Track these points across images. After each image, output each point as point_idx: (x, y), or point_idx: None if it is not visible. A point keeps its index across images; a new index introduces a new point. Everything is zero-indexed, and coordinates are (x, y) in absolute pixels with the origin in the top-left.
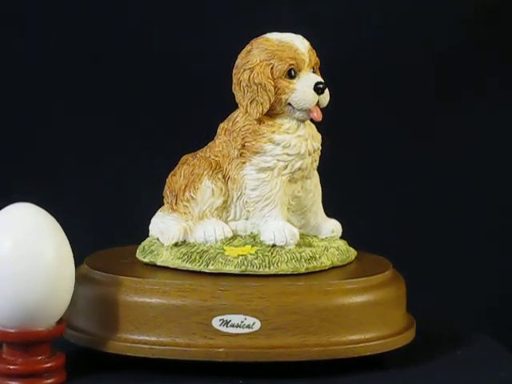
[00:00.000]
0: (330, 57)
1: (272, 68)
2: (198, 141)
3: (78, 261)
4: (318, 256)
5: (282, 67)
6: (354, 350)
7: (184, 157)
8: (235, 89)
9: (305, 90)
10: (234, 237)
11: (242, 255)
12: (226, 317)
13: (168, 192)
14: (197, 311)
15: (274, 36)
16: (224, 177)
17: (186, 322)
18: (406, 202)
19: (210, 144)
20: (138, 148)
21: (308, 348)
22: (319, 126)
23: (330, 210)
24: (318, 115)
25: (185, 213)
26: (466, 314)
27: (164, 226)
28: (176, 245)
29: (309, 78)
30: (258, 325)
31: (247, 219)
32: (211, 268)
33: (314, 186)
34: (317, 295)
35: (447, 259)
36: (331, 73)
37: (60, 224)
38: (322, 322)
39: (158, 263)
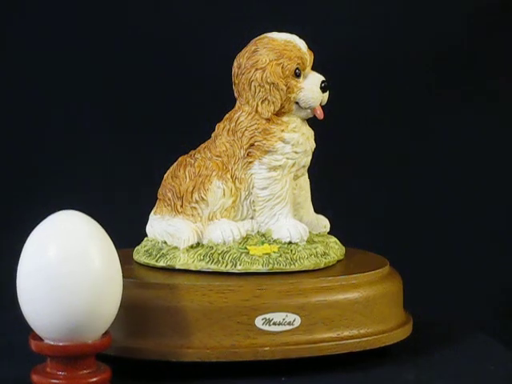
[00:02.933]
0: (329, 57)
1: (282, 67)
2: (193, 141)
3: None
4: (327, 251)
5: (291, 66)
6: (380, 340)
7: (180, 158)
8: (243, 88)
9: (312, 88)
10: (246, 236)
11: (266, 254)
12: (268, 315)
13: (170, 195)
14: (239, 311)
15: (277, 36)
16: (231, 177)
17: (228, 324)
18: (405, 202)
19: (207, 145)
20: (130, 149)
21: (343, 341)
22: (321, 124)
23: (329, 209)
24: (321, 113)
25: (192, 215)
26: (466, 314)
27: (173, 229)
28: (191, 247)
29: (314, 77)
30: (298, 321)
31: (252, 218)
32: (239, 268)
33: (305, 183)
34: (347, 288)
35: (447, 259)
36: (330, 72)
37: None
38: (353, 315)
39: (178, 266)
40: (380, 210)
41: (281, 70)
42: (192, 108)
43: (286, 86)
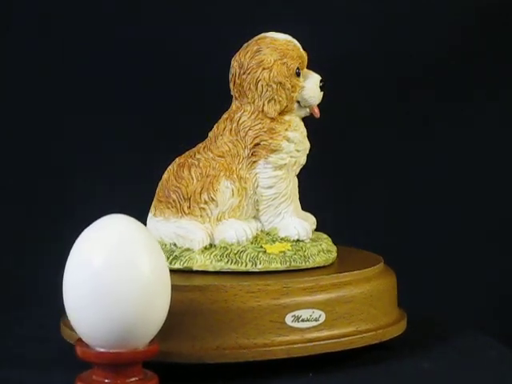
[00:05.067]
0: (327, 56)
1: (286, 67)
2: (187, 141)
3: None
4: (329, 248)
5: (294, 66)
6: (390, 332)
7: (181, 159)
8: (248, 88)
9: (313, 87)
10: (256, 236)
11: (282, 252)
12: (297, 312)
13: (174, 196)
14: (271, 310)
15: (277, 35)
16: (237, 176)
17: (262, 323)
18: (405, 202)
19: (206, 145)
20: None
21: (362, 334)
22: (317, 123)
23: (328, 209)
24: (318, 112)
25: (201, 215)
26: (466, 314)
27: (184, 231)
28: (205, 248)
29: (313, 76)
30: (323, 317)
31: (254, 217)
32: (260, 267)
33: (295, 181)
34: (362, 283)
35: (447, 259)
36: (329, 72)
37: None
38: (369, 308)
39: (195, 268)
40: (379, 210)
41: (286, 70)
42: (187, 109)
43: (290, 85)
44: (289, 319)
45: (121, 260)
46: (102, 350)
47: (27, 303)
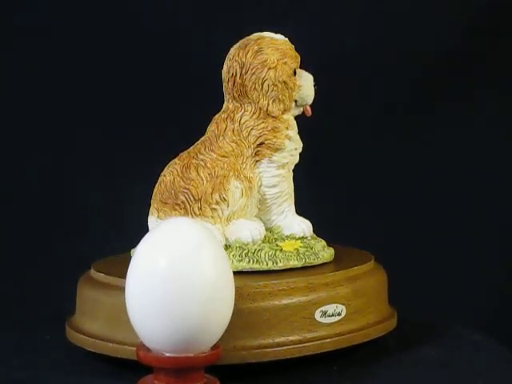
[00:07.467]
0: (326, 56)
1: (288, 66)
2: (187, 142)
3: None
4: (327, 244)
5: (293, 65)
6: (392, 324)
7: (181, 161)
8: (253, 88)
9: (310, 86)
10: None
11: (295, 249)
12: (324, 308)
13: (183, 198)
14: (303, 307)
15: (275, 36)
16: (243, 176)
17: (295, 319)
18: (404, 203)
19: (205, 145)
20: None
21: (374, 327)
22: (318, 123)
23: (327, 211)
24: (310, 110)
25: (212, 216)
26: (466, 314)
27: None
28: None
29: (308, 76)
30: (344, 311)
31: (255, 216)
32: (280, 265)
33: None
34: (369, 278)
35: (447, 259)
36: (328, 72)
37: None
38: (376, 302)
39: None
40: (380, 210)
41: (288, 69)
42: (187, 109)
43: (292, 84)
44: (318, 315)
45: (188, 266)
46: (162, 354)
47: (28, 303)
